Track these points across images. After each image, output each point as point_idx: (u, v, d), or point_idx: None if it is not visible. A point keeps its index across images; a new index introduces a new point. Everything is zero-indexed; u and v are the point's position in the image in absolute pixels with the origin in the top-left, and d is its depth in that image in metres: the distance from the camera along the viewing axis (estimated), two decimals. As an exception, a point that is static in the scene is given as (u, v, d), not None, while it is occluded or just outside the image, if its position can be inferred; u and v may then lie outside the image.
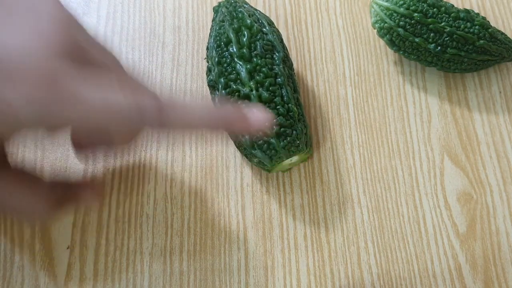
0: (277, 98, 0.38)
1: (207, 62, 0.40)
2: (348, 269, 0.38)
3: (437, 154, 0.41)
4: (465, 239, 0.38)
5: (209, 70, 0.40)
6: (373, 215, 0.39)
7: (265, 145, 0.37)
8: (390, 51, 0.45)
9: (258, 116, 0.32)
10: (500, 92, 0.44)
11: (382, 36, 0.42)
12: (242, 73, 0.37)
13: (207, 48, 0.40)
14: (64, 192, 0.34)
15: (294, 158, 0.39)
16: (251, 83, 0.37)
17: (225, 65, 0.38)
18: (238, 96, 0.37)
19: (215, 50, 0.39)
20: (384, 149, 0.42)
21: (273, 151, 0.37)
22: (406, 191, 0.40)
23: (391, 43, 0.42)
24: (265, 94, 0.37)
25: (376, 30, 0.43)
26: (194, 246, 0.39)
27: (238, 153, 0.41)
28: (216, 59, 0.39)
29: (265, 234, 0.39)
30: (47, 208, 0.32)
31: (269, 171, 0.39)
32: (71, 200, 0.34)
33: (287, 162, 0.39)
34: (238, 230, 0.39)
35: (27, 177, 0.33)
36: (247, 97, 0.37)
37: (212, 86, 0.39)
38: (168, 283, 0.37)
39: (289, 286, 0.37)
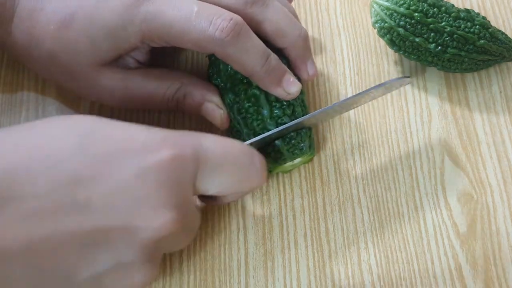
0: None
1: (209, 60, 0.40)
2: (348, 269, 0.38)
3: (437, 154, 0.41)
4: (465, 239, 0.38)
5: (215, 71, 0.39)
6: (373, 215, 0.39)
7: (270, 147, 0.37)
8: (390, 51, 0.45)
9: None
10: (501, 92, 0.43)
11: (382, 36, 0.42)
12: None
13: None
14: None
15: (297, 160, 0.39)
16: None
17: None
18: (245, 94, 0.37)
19: None
20: (384, 149, 0.42)
21: (278, 153, 0.37)
22: (406, 191, 0.40)
23: (391, 43, 0.42)
24: (272, 94, 0.38)
25: (376, 30, 0.43)
26: (194, 246, 0.38)
27: (238, 153, 0.41)
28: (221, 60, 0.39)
29: (265, 234, 0.39)
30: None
31: (270, 171, 0.39)
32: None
33: (289, 164, 0.39)
34: (238, 230, 0.39)
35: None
36: (254, 96, 0.37)
37: (217, 85, 0.39)
38: (168, 283, 0.37)
39: (289, 286, 0.37)
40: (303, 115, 0.39)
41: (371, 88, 0.38)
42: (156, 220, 0.29)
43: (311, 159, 0.41)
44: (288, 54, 0.39)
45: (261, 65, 0.36)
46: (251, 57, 0.36)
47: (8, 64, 0.44)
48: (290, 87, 0.38)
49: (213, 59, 0.39)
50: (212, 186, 0.33)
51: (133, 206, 0.29)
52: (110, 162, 0.29)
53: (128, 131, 0.31)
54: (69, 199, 0.28)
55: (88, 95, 0.40)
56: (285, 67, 0.38)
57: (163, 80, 0.38)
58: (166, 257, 0.38)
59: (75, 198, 0.28)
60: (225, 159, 0.32)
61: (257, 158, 0.34)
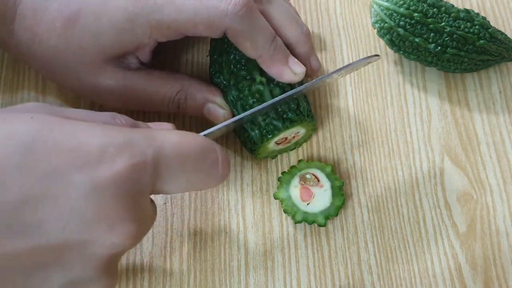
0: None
1: (210, 59, 0.40)
2: (348, 269, 0.38)
3: (437, 154, 0.41)
4: (465, 239, 0.38)
5: (217, 69, 0.39)
6: (373, 215, 0.39)
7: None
8: (390, 51, 0.45)
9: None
10: (500, 92, 0.44)
11: (382, 36, 0.42)
12: (253, 69, 0.38)
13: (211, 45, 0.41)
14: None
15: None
16: (263, 78, 0.38)
17: (233, 61, 0.38)
18: (249, 91, 0.38)
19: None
20: (384, 149, 0.42)
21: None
22: (406, 191, 0.40)
23: (391, 43, 0.42)
24: (276, 89, 0.38)
25: (376, 30, 0.43)
26: (194, 246, 0.39)
27: (238, 153, 0.41)
28: (225, 57, 0.38)
29: (265, 234, 0.39)
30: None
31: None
32: None
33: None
34: (238, 230, 0.39)
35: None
36: (258, 92, 0.37)
37: (220, 83, 0.39)
38: (168, 283, 0.37)
39: (289, 286, 0.37)
40: (307, 110, 0.39)
41: (341, 68, 0.38)
42: (113, 236, 0.27)
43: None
44: (291, 50, 0.39)
45: (270, 43, 0.37)
46: (261, 35, 0.36)
47: (9, 63, 0.44)
48: (296, 67, 0.38)
49: (215, 57, 0.40)
50: (172, 187, 0.31)
51: (88, 223, 0.27)
52: (58, 179, 0.26)
53: (79, 137, 0.28)
54: (16, 222, 0.26)
55: (88, 93, 0.40)
56: (288, 50, 0.38)
57: (163, 82, 0.38)
58: (166, 257, 0.38)
59: (23, 220, 0.26)
60: (187, 160, 0.30)
61: (220, 154, 0.32)
